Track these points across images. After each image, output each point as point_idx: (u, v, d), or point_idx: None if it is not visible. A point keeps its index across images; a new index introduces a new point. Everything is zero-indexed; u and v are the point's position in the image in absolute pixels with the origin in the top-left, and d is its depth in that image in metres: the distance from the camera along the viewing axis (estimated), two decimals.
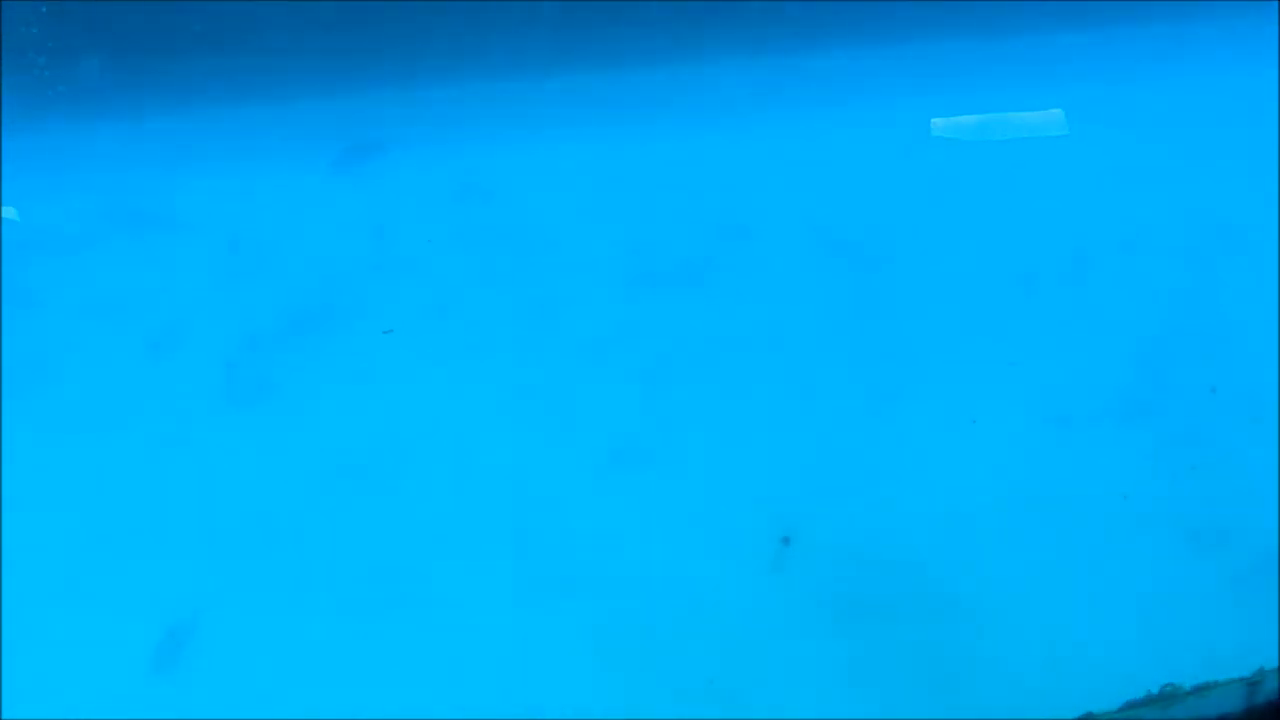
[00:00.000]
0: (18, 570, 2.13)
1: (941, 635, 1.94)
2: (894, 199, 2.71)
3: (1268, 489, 2.09)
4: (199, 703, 1.97)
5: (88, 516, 2.23)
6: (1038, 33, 2.96)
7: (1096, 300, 2.48)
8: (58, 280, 2.67)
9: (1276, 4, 2.84)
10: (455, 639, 2.01)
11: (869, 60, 2.94)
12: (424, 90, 2.95)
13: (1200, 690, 1.49)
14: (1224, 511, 2.09)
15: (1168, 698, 1.44)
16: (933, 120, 2.85)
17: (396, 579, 2.10)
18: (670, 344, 2.41)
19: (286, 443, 2.32)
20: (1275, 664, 1.64)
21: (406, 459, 2.27)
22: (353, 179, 2.83)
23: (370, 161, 2.86)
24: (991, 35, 2.96)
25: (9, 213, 2.82)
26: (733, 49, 2.98)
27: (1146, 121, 2.83)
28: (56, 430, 2.37)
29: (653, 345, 2.41)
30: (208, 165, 2.88)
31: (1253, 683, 1.45)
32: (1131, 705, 1.48)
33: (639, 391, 2.33)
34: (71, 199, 2.83)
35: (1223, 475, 2.14)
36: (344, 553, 2.15)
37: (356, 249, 2.68)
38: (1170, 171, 2.73)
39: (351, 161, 2.88)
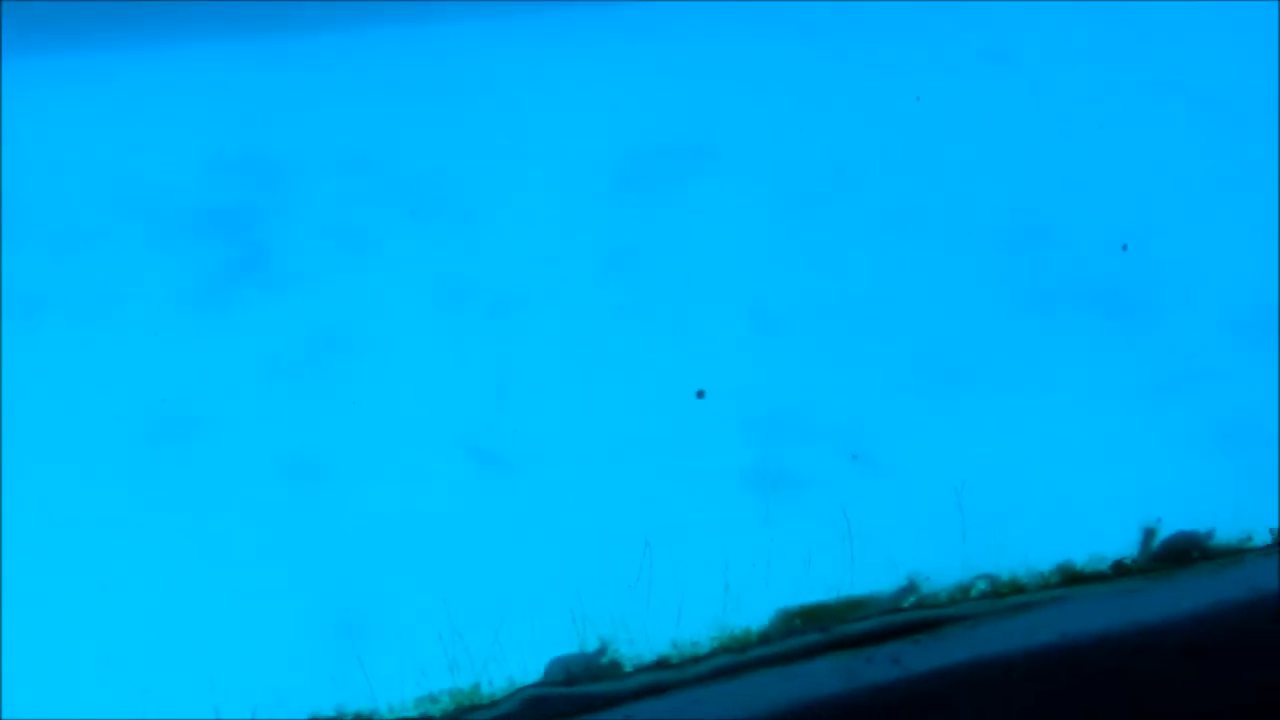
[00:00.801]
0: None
1: (857, 498, 1.93)
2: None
3: (1206, 342, 2.13)
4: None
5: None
6: None
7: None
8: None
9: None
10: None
11: None
12: None
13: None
14: (1156, 368, 2.12)
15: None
16: None
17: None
18: (637, 237, 2.37)
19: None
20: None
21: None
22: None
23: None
24: None
25: None
26: None
27: None
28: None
29: (618, 237, 2.36)
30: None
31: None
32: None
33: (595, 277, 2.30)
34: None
35: (1146, 333, 2.17)
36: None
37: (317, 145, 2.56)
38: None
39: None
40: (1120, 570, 1.41)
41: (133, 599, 1.93)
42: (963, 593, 1.36)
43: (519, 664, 1.34)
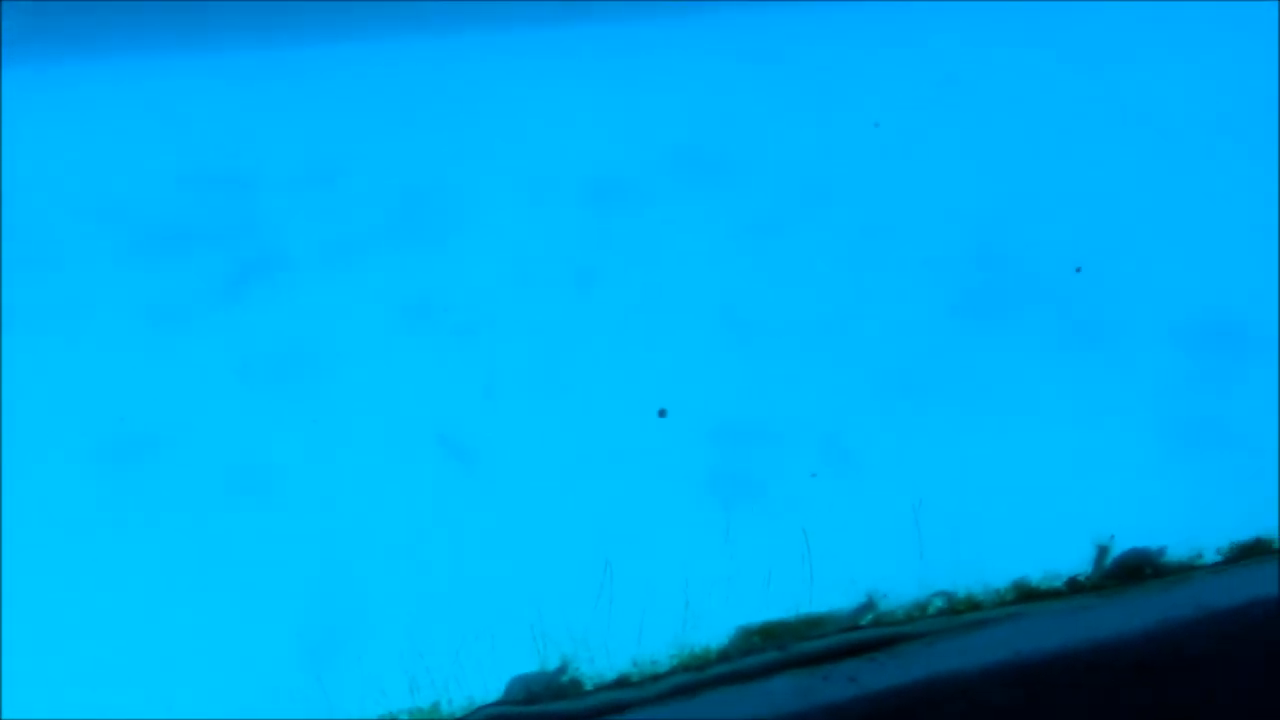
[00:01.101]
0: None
1: (816, 516, 1.95)
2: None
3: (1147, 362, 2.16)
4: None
5: None
6: None
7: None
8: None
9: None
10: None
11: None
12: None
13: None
14: (1098, 386, 2.15)
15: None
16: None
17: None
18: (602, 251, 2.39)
19: None
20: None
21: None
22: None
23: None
24: None
25: None
26: None
27: None
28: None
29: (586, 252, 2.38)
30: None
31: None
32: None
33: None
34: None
35: (1099, 353, 2.20)
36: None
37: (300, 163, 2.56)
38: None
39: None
40: (1075, 587, 1.43)
41: (90, 615, 1.91)
42: (920, 610, 1.38)
43: (479, 683, 1.34)
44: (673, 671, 1.23)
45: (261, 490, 2.04)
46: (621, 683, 1.24)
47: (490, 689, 1.32)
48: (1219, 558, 1.43)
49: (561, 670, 1.29)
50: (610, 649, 1.34)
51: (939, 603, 1.40)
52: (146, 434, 2.12)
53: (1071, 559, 1.56)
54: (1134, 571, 1.45)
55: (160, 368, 2.23)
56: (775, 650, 1.21)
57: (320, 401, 2.17)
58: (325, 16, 2.91)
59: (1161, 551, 1.49)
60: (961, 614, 1.32)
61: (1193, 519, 1.72)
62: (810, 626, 1.31)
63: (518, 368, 2.22)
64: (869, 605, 1.40)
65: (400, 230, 2.49)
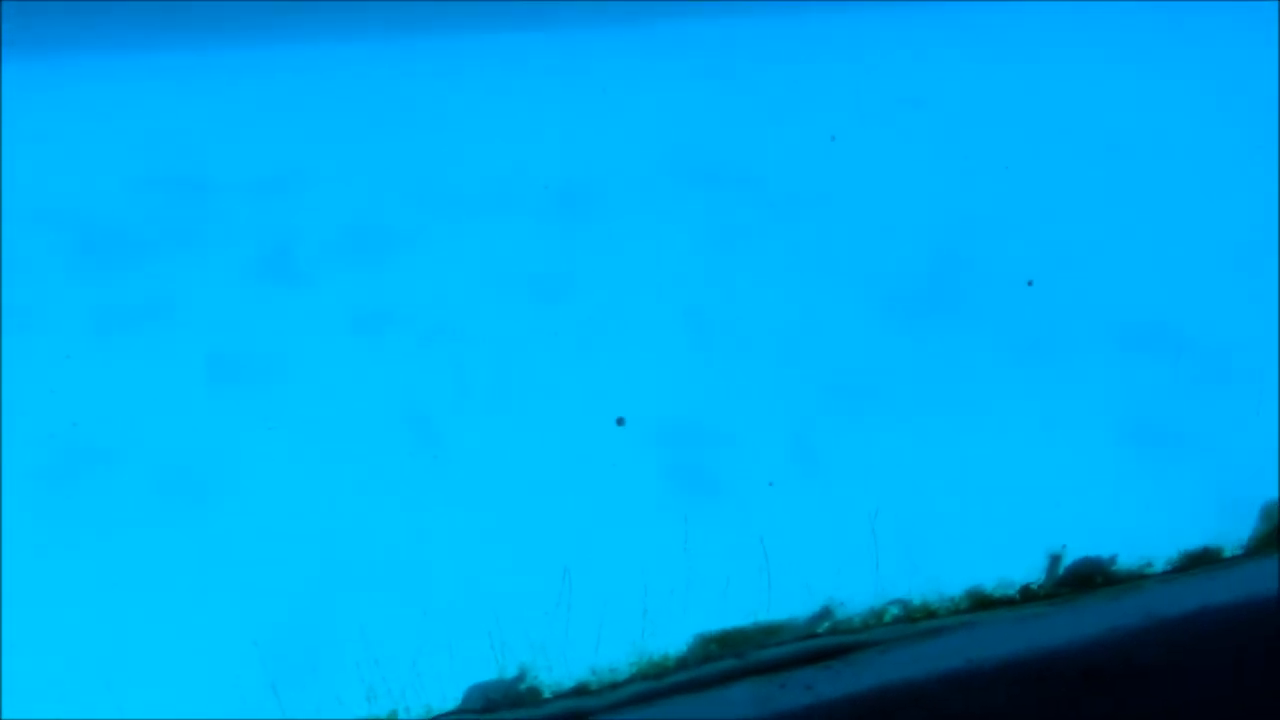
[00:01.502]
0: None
1: (774, 524, 1.96)
2: None
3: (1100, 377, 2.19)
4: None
5: None
6: None
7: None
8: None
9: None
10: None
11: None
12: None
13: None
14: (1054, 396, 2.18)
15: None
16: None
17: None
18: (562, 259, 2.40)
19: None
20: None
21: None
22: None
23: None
24: None
25: None
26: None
27: None
28: None
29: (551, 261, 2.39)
30: None
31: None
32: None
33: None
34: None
35: (1051, 365, 2.23)
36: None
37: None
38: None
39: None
40: (1027, 595, 1.44)
41: (44, 624, 1.89)
42: (876, 618, 1.38)
43: (437, 691, 1.34)
44: (631, 679, 1.23)
45: (217, 498, 2.02)
46: (580, 691, 1.23)
47: (448, 697, 1.31)
48: (1169, 566, 1.44)
49: (520, 678, 1.29)
50: (568, 657, 1.34)
51: (894, 611, 1.41)
52: (100, 442, 2.10)
53: (1024, 567, 1.57)
54: (1085, 580, 1.46)
55: (117, 374, 2.22)
56: (733, 658, 1.21)
57: (278, 409, 2.16)
58: (290, 18, 2.89)
59: (1113, 560, 1.51)
60: (916, 622, 1.32)
61: (1143, 528, 1.75)
62: (767, 634, 1.31)
63: (480, 375, 2.22)
64: (825, 613, 1.41)
65: (361, 238, 2.49)
